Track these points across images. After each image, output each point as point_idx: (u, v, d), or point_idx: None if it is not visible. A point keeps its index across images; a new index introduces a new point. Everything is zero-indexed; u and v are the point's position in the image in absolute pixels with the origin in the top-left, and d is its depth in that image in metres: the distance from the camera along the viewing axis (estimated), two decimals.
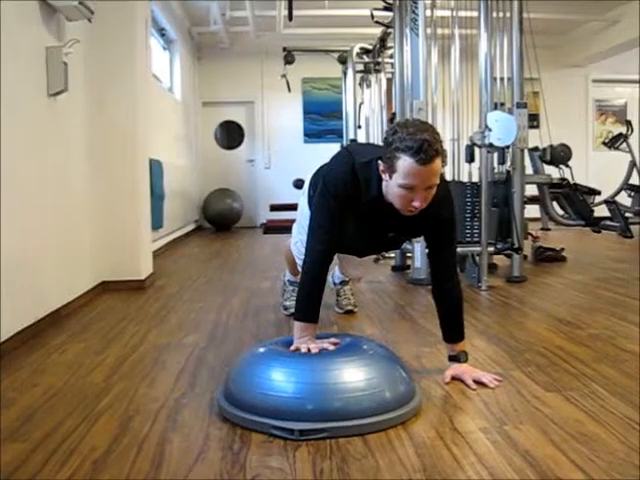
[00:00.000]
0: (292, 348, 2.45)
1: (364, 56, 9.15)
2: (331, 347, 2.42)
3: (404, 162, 2.31)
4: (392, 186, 2.41)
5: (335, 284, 4.13)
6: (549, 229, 8.98)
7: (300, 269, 2.93)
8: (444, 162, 2.41)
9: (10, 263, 3.21)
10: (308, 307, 2.60)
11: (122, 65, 4.96)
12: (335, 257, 3.42)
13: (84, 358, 3.12)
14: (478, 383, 2.57)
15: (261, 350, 2.47)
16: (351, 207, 2.62)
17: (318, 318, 2.60)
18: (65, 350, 3.27)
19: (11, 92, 3.38)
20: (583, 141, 12.01)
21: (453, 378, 2.63)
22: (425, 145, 2.28)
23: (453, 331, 2.74)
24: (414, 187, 2.36)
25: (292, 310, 3.93)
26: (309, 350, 2.39)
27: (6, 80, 3.29)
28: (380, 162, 2.44)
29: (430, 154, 2.29)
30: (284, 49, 8.95)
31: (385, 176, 2.44)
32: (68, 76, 3.99)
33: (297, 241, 3.50)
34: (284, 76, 9.05)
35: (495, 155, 5.09)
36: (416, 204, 2.40)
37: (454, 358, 2.71)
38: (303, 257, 2.71)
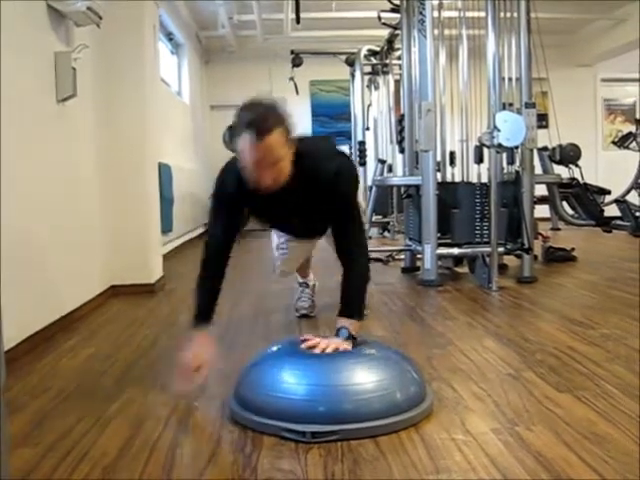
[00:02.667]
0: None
1: (372, 58, 9.17)
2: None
3: (239, 142, 2.38)
4: (242, 169, 2.46)
5: (299, 283, 4.15)
6: (559, 229, 8.95)
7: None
8: (287, 133, 2.42)
9: (20, 268, 3.22)
10: (198, 313, 2.70)
11: (131, 70, 4.96)
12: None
13: (95, 362, 3.12)
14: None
15: (271, 353, 2.47)
16: (246, 199, 2.70)
17: (206, 325, 2.69)
18: (76, 354, 3.28)
19: (20, 98, 3.40)
20: (592, 140, 11.96)
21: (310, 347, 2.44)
22: (254, 122, 2.31)
23: (344, 305, 2.59)
24: (253, 166, 2.38)
25: (303, 311, 3.94)
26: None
27: (15, 86, 3.30)
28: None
29: (260, 130, 2.30)
30: (292, 52, 8.96)
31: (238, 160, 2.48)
32: (77, 81, 4.00)
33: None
34: (292, 79, 9.05)
35: (504, 155, 5.08)
36: (262, 182, 2.43)
37: (336, 332, 2.51)
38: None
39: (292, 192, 2.56)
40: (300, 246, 3.70)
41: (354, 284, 2.62)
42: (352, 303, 2.60)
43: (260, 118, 2.33)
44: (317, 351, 2.36)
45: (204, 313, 2.70)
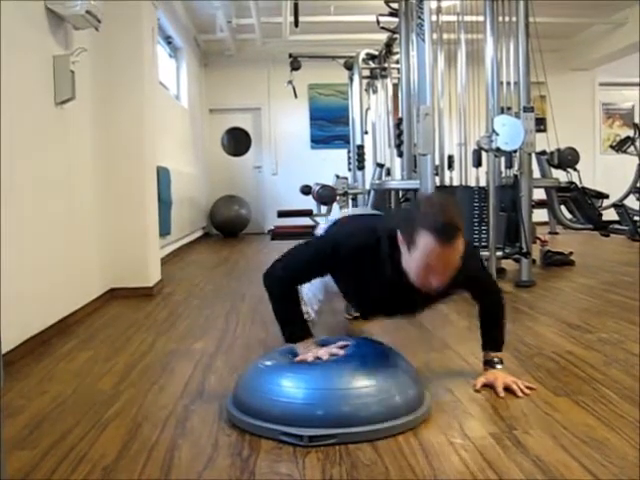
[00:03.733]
0: (297, 359, 2.37)
1: (370, 62, 9.18)
2: (340, 352, 2.40)
3: (425, 240, 2.16)
4: (410, 261, 2.26)
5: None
6: (557, 233, 8.95)
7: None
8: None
9: (18, 271, 3.22)
10: (293, 328, 2.51)
11: (129, 73, 4.97)
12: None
13: (93, 365, 3.12)
14: (508, 391, 2.53)
15: (270, 356, 2.47)
16: (362, 275, 2.51)
17: (310, 330, 2.52)
18: (73, 358, 3.27)
19: (19, 101, 3.40)
20: (591, 144, 11.97)
21: (485, 385, 2.59)
22: (449, 224, 2.16)
23: (488, 339, 2.72)
24: (435, 267, 2.21)
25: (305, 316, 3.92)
26: (318, 358, 2.35)
27: (14, 89, 3.30)
28: (399, 233, 2.29)
29: (453, 234, 2.16)
30: (290, 55, 8.97)
31: (403, 248, 2.28)
32: (75, 84, 4.00)
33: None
34: (290, 82, 9.07)
35: (502, 159, 5.08)
36: (434, 283, 2.26)
37: (488, 363, 2.69)
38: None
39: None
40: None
41: (496, 318, 2.74)
42: (496, 337, 2.72)
43: (456, 219, 2.21)
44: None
45: (299, 327, 2.53)
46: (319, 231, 3.26)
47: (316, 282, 3.07)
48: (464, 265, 2.31)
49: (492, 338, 2.71)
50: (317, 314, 3.44)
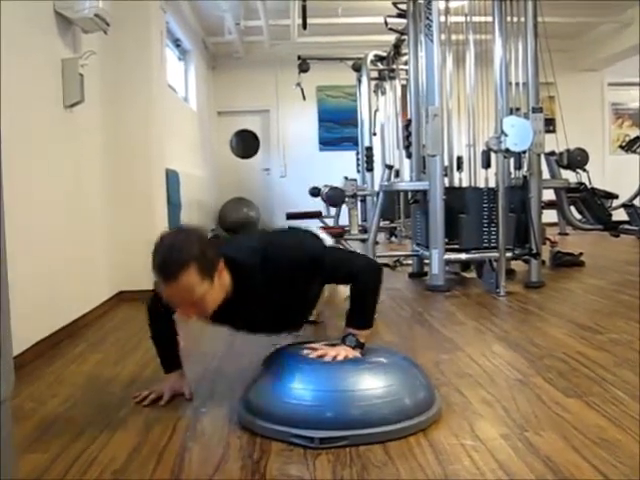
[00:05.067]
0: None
1: (378, 63, 9.18)
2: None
3: (157, 281, 2.24)
4: None
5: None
6: (567, 234, 8.93)
7: None
8: (205, 265, 2.20)
9: (28, 274, 3.22)
10: (165, 360, 2.74)
11: (138, 76, 4.97)
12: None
13: (103, 368, 3.13)
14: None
15: (280, 358, 2.46)
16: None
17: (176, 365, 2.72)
18: (84, 361, 3.28)
19: (28, 104, 3.41)
20: (600, 145, 11.93)
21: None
22: (162, 262, 2.17)
23: (351, 314, 2.50)
24: (178, 303, 2.27)
25: (310, 317, 3.90)
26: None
27: (23, 92, 3.32)
28: None
29: (170, 271, 2.14)
30: (298, 57, 8.98)
31: None
32: (84, 87, 4.01)
33: None
34: (299, 84, 9.07)
35: (511, 160, 5.07)
36: (188, 317, 2.34)
37: (342, 339, 2.45)
38: None
39: (249, 300, 2.43)
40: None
41: (361, 295, 2.54)
42: (360, 312, 2.52)
43: (168, 260, 2.16)
44: (327, 359, 2.33)
45: (170, 360, 2.74)
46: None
47: None
48: (246, 277, 2.36)
49: (352, 312, 2.50)
50: None
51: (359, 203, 8.77)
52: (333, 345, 2.45)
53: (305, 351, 2.41)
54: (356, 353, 2.38)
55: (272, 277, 2.39)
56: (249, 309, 2.50)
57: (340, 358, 2.33)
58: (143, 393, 2.60)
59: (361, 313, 2.52)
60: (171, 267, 2.14)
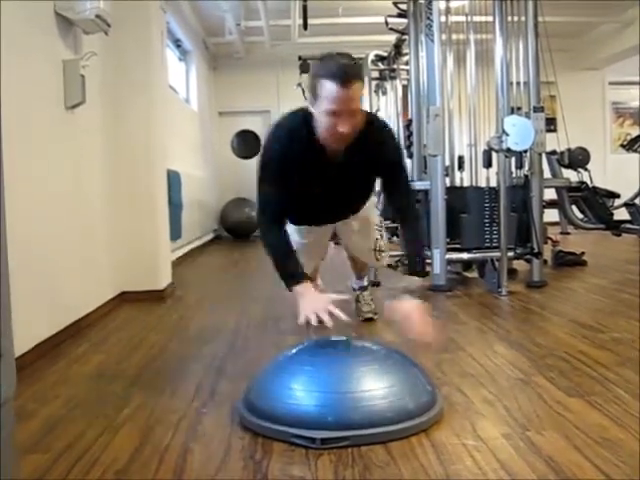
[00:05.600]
0: (301, 320, 2.52)
1: (379, 63, 9.17)
2: (342, 315, 2.46)
3: (325, 86, 2.49)
4: (319, 117, 2.59)
5: (354, 289, 4.11)
6: (569, 233, 8.93)
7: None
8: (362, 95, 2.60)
9: (30, 274, 3.23)
10: (289, 270, 2.72)
11: (139, 77, 4.97)
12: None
13: (105, 368, 3.13)
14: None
15: (282, 359, 2.47)
16: (295, 170, 2.77)
17: (305, 273, 2.73)
18: (86, 361, 3.28)
19: (29, 105, 3.41)
20: (601, 144, 11.93)
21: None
22: (343, 68, 2.49)
23: (410, 244, 2.96)
24: (337, 111, 2.51)
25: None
26: (320, 322, 2.44)
27: (24, 93, 3.32)
28: (309, 98, 2.64)
29: (348, 76, 2.47)
30: (299, 58, 8.97)
31: (313, 108, 2.61)
32: (85, 88, 4.01)
33: None
34: (300, 85, 9.06)
35: (513, 160, 5.07)
36: (341, 129, 2.54)
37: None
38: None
39: (351, 156, 2.77)
40: (316, 241, 3.58)
41: (416, 237, 2.97)
42: (417, 257, 2.93)
43: (351, 65, 2.54)
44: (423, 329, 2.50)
45: (295, 269, 2.73)
46: None
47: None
48: (381, 141, 2.83)
49: (412, 242, 2.97)
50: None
51: None
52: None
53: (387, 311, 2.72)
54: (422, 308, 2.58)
55: (378, 151, 2.84)
56: (339, 172, 2.87)
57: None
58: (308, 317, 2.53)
59: (418, 257, 2.94)
60: (352, 73, 2.52)
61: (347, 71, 2.49)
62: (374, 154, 2.85)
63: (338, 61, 2.52)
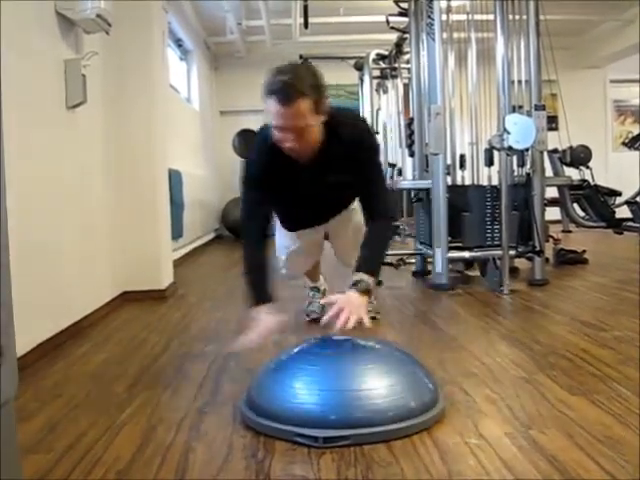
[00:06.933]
0: (236, 346, 2.60)
1: (380, 62, 9.16)
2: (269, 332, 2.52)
3: (268, 102, 2.47)
4: (273, 131, 2.59)
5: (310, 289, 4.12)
6: (570, 231, 8.92)
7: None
8: (319, 102, 2.49)
9: (31, 274, 3.23)
10: (256, 290, 2.72)
11: (140, 76, 4.98)
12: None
13: (106, 368, 3.13)
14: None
15: (283, 358, 2.47)
16: (271, 180, 2.78)
17: (270, 297, 2.70)
18: (88, 361, 3.28)
19: (30, 105, 3.41)
20: (602, 142, 11.92)
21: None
22: (283, 86, 2.40)
23: (362, 259, 2.62)
24: (281, 128, 2.51)
25: (314, 315, 3.91)
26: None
27: (25, 93, 3.32)
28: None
29: (289, 95, 2.39)
30: (300, 57, 8.95)
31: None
32: (87, 88, 4.01)
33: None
34: None
35: (514, 158, 5.06)
36: (289, 144, 2.55)
37: (353, 284, 2.53)
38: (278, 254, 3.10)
39: (321, 162, 2.72)
40: (310, 241, 3.58)
41: (374, 240, 2.70)
42: (373, 256, 2.66)
43: (293, 82, 2.40)
44: (338, 324, 2.36)
45: (260, 289, 2.73)
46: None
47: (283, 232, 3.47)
48: (353, 139, 2.70)
49: (363, 257, 2.64)
50: (286, 265, 3.70)
51: None
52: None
53: (322, 301, 2.54)
54: (364, 303, 2.46)
55: (348, 154, 2.72)
56: (314, 177, 2.81)
57: (352, 323, 2.36)
58: (240, 340, 2.58)
59: (374, 257, 2.68)
60: (294, 90, 2.41)
61: (287, 90, 2.40)
62: (346, 156, 2.75)
63: (281, 77, 2.43)
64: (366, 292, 2.51)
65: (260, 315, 2.63)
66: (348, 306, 2.42)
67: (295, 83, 2.40)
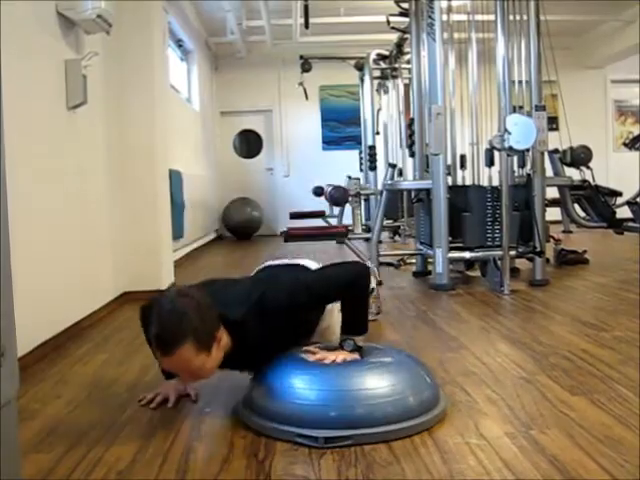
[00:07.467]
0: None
1: (381, 62, 9.17)
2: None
3: (153, 350, 2.24)
4: None
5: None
6: (571, 231, 8.90)
7: None
8: (203, 339, 2.14)
9: (32, 275, 3.23)
10: None
11: (140, 77, 4.98)
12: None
13: (107, 369, 3.13)
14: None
15: (283, 359, 2.46)
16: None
17: None
18: (88, 361, 3.28)
19: (31, 105, 3.41)
20: (603, 142, 11.90)
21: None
22: (160, 337, 2.10)
23: (346, 326, 2.49)
24: (177, 371, 2.27)
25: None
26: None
27: (25, 93, 3.32)
28: None
29: (166, 347, 2.09)
30: (301, 57, 8.97)
31: None
32: (87, 89, 4.01)
33: None
34: (301, 84, 9.06)
35: (515, 158, 5.06)
36: (185, 381, 2.49)
37: (340, 344, 2.45)
38: None
39: (249, 343, 2.36)
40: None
41: (354, 304, 2.51)
42: (355, 320, 2.51)
43: (166, 333, 2.10)
44: (327, 362, 2.33)
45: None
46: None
47: None
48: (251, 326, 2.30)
49: (346, 323, 2.49)
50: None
51: (362, 202, 8.76)
52: (329, 350, 2.45)
53: (303, 355, 2.41)
54: (355, 356, 2.38)
55: (271, 326, 2.35)
56: (252, 354, 2.42)
57: (339, 361, 2.32)
58: (148, 396, 2.58)
59: (357, 320, 2.52)
60: (167, 342, 2.09)
61: (163, 342, 2.10)
62: (271, 331, 2.37)
63: (154, 328, 2.12)
64: (355, 349, 2.41)
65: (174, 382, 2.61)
66: (333, 356, 2.37)
67: (168, 336, 2.09)
